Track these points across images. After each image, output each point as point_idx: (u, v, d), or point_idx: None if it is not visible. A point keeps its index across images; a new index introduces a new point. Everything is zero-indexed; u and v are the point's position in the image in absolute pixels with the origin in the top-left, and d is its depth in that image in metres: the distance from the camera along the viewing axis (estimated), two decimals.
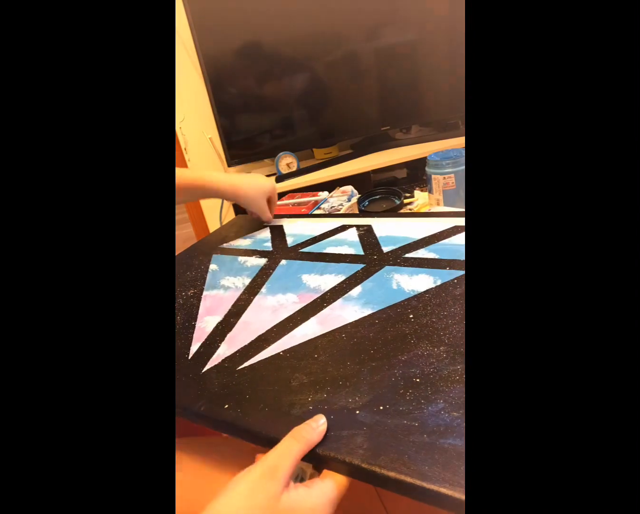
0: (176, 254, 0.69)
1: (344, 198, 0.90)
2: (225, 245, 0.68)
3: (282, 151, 1.36)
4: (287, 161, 1.37)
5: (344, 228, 0.65)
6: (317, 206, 0.86)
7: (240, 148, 1.38)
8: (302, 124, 1.40)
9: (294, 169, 1.37)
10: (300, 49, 1.30)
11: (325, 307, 0.45)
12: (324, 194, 0.94)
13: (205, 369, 0.39)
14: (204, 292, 0.53)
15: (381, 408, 0.31)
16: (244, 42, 1.28)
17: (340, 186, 0.98)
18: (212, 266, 0.61)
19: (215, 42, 1.26)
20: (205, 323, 0.46)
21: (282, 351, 0.39)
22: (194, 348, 0.42)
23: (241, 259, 0.61)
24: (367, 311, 0.43)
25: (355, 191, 0.94)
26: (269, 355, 0.39)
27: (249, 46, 1.28)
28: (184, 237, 2.32)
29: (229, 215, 1.59)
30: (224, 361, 0.40)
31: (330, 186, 0.97)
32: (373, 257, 0.54)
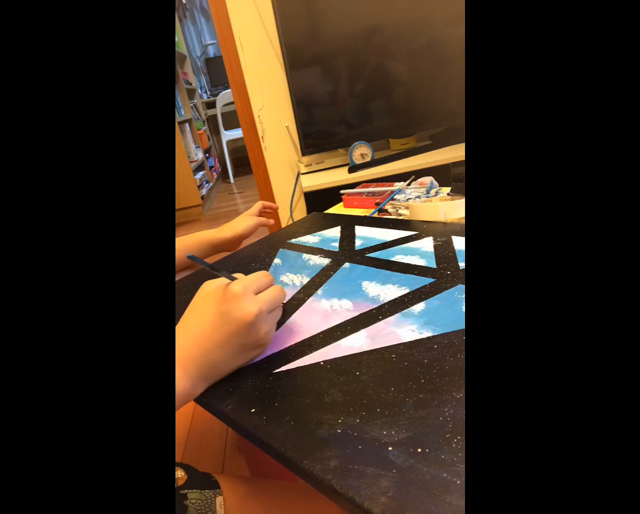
0: (248, 243, 0.70)
1: (422, 190, 0.81)
2: (293, 240, 0.67)
3: (357, 141, 1.32)
4: (361, 151, 1.32)
5: (419, 236, 0.59)
6: (391, 197, 0.80)
7: (315, 138, 1.38)
8: (379, 113, 1.35)
9: (369, 160, 1.31)
10: (381, 38, 1.26)
11: (380, 320, 0.41)
12: (399, 185, 0.86)
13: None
14: None
15: (419, 450, 0.26)
16: (326, 32, 1.27)
17: (417, 177, 0.88)
18: (276, 260, 0.60)
19: (298, 33, 1.27)
20: None
21: (323, 361, 0.36)
22: None
23: (305, 256, 0.59)
24: (427, 333, 0.38)
25: (436, 182, 0.83)
26: (309, 363, 0.36)
27: (330, 36, 1.27)
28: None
29: (300, 203, 1.61)
30: (262, 360, 0.38)
31: (405, 178, 0.89)
32: (446, 273, 0.48)
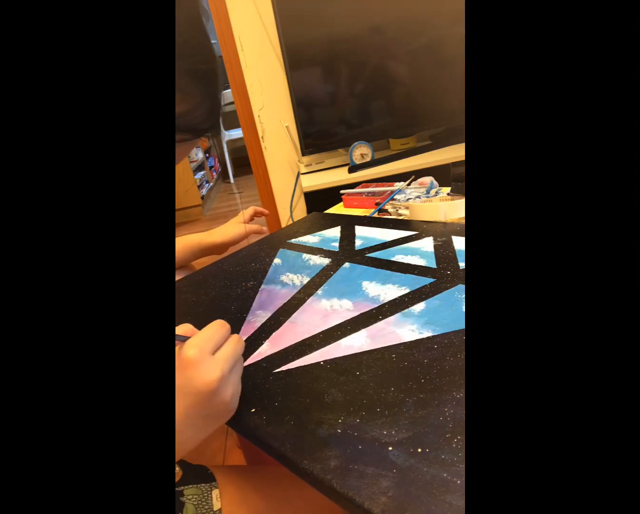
0: (248, 243, 0.70)
1: (422, 190, 0.80)
2: (293, 240, 0.67)
3: (357, 141, 1.32)
4: (361, 151, 1.32)
5: (419, 236, 0.59)
6: (391, 197, 0.80)
7: (315, 138, 1.38)
8: (379, 113, 1.36)
9: (369, 160, 1.32)
10: (380, 38, 1.26)
11: (380, 320, 0.41)
12: (399, 185, 0.86)
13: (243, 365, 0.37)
14: (262, 286, 0.52)
15: (419, 450, 0.26)
16: (326, 32, 1.27)
17: (417, 177, 0.88)
18: (276, 260, 0.60)
19: (298, 33, 1.27)
20: (256, 317, 0.45)
21: (323, 361, 0.36)
22: None
23: (305, 256, 0.59)
24: (427, 333, 0.38)
25: (436, 182, 0.82)
26: (309, 362, 0.36)
27: (330, 36, 1.27)
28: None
29: (300, 203, 1.61)
30: (263, 360, 0.38)
31: (405, 178, 0.89)
32: (446, 273, 0.48)
